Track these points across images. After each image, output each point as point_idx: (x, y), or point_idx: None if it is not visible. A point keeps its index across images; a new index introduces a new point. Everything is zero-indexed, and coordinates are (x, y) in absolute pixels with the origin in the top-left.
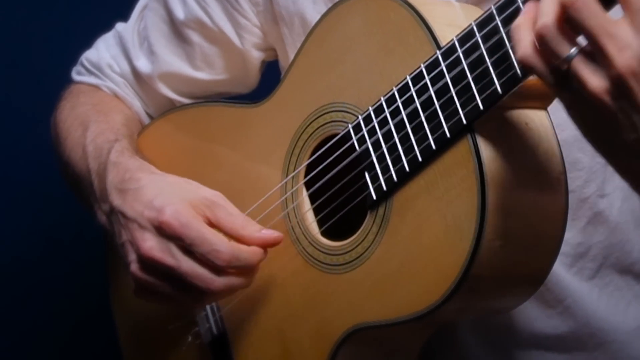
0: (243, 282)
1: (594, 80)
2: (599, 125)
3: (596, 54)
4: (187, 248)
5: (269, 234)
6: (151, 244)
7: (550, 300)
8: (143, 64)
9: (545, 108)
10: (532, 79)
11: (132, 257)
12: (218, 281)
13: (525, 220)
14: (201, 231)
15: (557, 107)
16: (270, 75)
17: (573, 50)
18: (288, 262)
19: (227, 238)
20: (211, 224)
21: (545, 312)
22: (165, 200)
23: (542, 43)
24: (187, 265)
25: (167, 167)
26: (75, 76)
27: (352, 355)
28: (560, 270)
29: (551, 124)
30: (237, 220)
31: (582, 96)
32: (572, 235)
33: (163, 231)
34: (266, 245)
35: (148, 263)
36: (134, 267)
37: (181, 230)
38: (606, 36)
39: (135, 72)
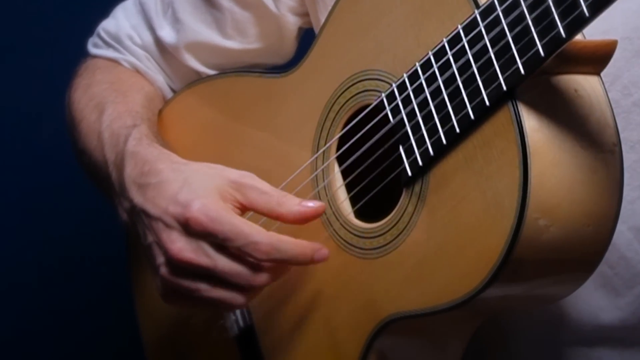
0: (286, 273)
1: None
2: None
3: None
4: (221, 244)
5: (309, 205)
6: (181, 245)
7: (619, 287)
8: (167, 34)
9: (597, 73)
10: (580, 40)
11: (161, 260)
12: (260, 275)
13: (574, 196)
14: (234, 224)
15: (621, 69)
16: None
17: None
18: None
19: (263, 226)
20: (244, 208)
21: (613, 302)
22: (190, 193)
23: None
24: (223, 263)
25: (190, 143)
26: (91, 49)
27: (390, 347)
28: (632, 254)
29: (604, 90)
30: (272, 197)
31: None
32: None
33: (191, 229)
34: (308, 220)
35: (179, 266)
36: (164, 271)
37: (212, 226)
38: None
39: (158, 43)
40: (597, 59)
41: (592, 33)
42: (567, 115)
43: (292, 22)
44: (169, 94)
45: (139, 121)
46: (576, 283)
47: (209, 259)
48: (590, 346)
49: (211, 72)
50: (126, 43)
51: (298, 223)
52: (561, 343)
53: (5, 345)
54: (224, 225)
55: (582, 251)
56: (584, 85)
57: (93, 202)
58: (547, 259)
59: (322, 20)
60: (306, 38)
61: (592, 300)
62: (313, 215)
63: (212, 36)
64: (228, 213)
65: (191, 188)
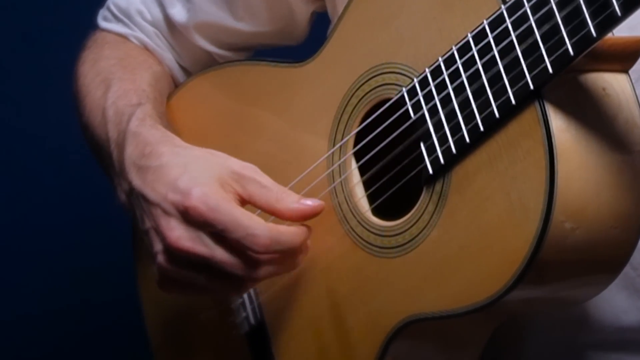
0: (287, 267)
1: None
2: None
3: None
4: (219, 234)
5: (307, 204)
6: (179, 233)
7: None
8: (178, 12)
9: (626, 71)
10: (609, 37)
11: (158, 247)
12: (258, 268)
13: (601, 198)
14: (233, 214)
15: None
16: (317, 29)
17: None
18: (334, 243)
19: (264, 218)
20: (243, 201)
21: (635, 304)
22: (190, 180)
23: None
24: (221, 253)
25: (202, 131)
26: (101, 22)
27: (407, 350)
28: None
29: (633, 89)
30: (271, 193)
31: None
32: None
33: (190, 217)
34: (306, 218)
35: (177, 254)
36: (161, 259)
37: (211, 216)
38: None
39: (168, 21)
40: (626, 56)
41: (619, 29)
42: (595, 115)
43: (304, 8)
44: (177, 71)
45: (145, 100)
46: (601, 285)
47: (207, 248)
48: (610, 349)
49: (221, 51)
50: (136, 19)
51: (294, 221)
52: (581, 345)
53: (8, 344)
54: (223, 215)
55: (608, 253)
56: (612, 83)
57: (98, 201)
58: (573, 262)
59: (339, 6)
60: (322, 24)
61: (614, 302)
62: (310, 214)
63: (223, 17)
64: (228, 203)
65: (192, 175)
